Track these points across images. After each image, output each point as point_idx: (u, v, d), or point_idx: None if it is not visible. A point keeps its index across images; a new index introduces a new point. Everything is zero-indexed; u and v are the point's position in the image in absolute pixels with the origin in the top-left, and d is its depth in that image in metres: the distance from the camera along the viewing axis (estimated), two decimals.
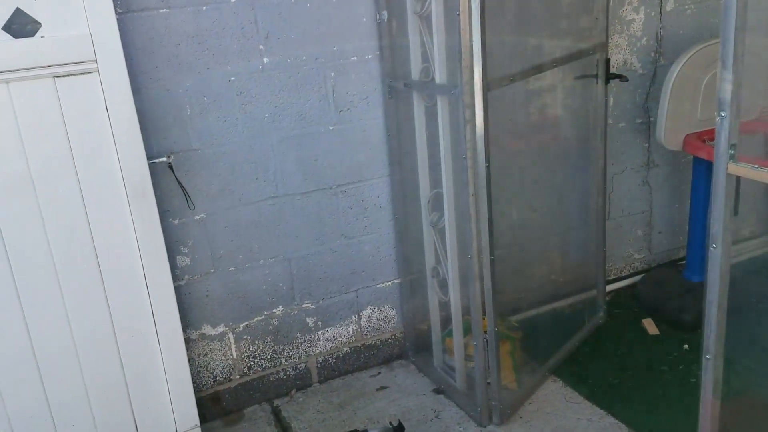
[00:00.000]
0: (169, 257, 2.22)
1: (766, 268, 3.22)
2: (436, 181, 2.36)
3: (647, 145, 3.00)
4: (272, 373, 2.55)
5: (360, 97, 2.41)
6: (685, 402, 2.33)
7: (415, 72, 2.26)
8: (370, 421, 2.37)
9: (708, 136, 2.66)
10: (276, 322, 2.51)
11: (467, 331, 2.37)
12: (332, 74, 2.35)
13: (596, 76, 2.53)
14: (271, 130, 2.32)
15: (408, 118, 2.38)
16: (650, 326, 2.84)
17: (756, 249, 3.28)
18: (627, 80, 2.60)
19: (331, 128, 2.40)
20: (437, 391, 2.52)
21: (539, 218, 2.87)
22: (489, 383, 2.26)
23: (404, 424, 2.32)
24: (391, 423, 1.87)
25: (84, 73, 1.85)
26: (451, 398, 2.47)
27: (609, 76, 2.53)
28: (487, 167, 2.02)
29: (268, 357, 2.53)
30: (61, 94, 1.83)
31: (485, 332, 2.22)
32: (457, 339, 2.42)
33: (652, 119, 2.92)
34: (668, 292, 2.93)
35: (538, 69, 2.24)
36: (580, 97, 2.68)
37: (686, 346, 2.67)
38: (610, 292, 3.11)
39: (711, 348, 1.22)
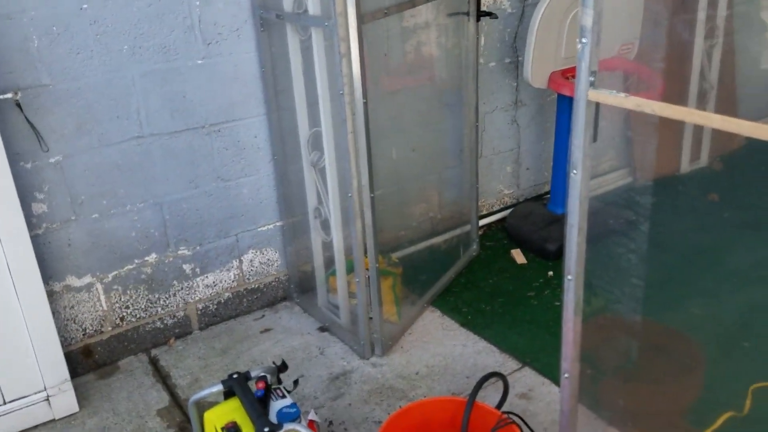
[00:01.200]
0: (23, 205, 2.03)
1: (623, 199, 3.52)
2: (314, 120, 2.31)
3: (515, 84, 3.11)
4: (148, 323, 2.45)
5: (230, 29, 2.28)
6: (549, 324, 2.52)
7: (288, 2, 2.17)
8: (253, 363, 2.36)
9: (571, 74, 2.81)
10: (149, 271, 2.39)
11: (350, 269, 2.39)
12: (198, 3, 2.20)
13: (468, 13, 2.56)
14: (131, 64, 2.15)
15: (283, 53, 2.29)
16: (518, 256, 3.03)
17: (613, 182, 3.57)
18: (497, 17, 2.66)
19: (199, 62, 2.26)
20: (322, 329, 2.55)
21: (417, 157, 2.92)
22: (371, 318, 2.31)
23: (289, 363, 2.32)
24: (274, 363, 1.87)
25: None
26: (335, 335, 2.50)
27: (480, 14, 2.57)
28: (365, 104, 2.00)
29: (143, 306, 2.42)
30: None
31: (367, 269, 2.25)
32: (341, 278, 2.44)
33: (520, 58, 3.03)
34: (534, 224, 3.12)
35: (411, 3, 2.23)
36: (453, 35, 2.71)
37: (551, 273, 2.87)
38: (483, 226, 3.26)
39: (572, 269, 1.31)
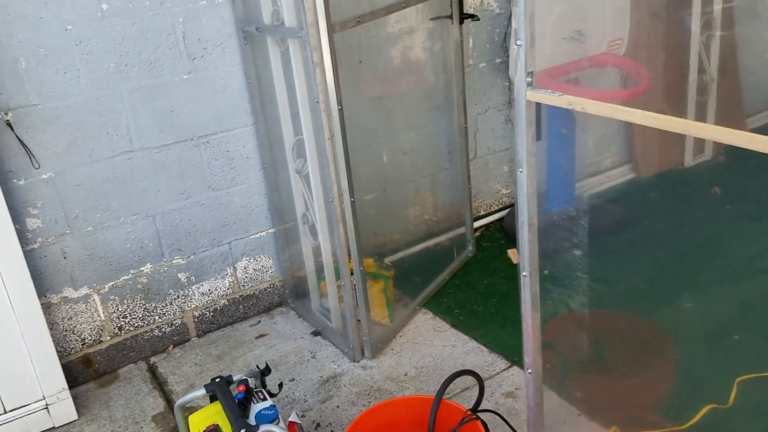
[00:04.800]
0: (17, 220, 2.12)
1: (625, 195, 3.50)
2: (298, 128, 2.36)
3: (507, 83, 3.13)
4: (146, 332, 2.52)
5: (214, 44, 2.35)
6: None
7: (267, 15, 2.22)
8: (247, 368, 2.41)
9: (557, 73, 2.82)
10: (145, 280, 2.46)
11: (339, 273, 2.43)
12: (181, 20, 2.27)
13: (450, 16, 2.59)
14: (119, 81, 2.22)
15: (266, 64, 2.35)
16: (515, 256, 3.03)
17: (616, 178, 3.55)
18: (479, 20, 2.68)
19: (185, 77, 2.33)
20: (315, 334, 2.59)
21: (409, 160, 2.95)
22: (359, 321, 2.35)
23: (281, 366, 2.38)
24: (258, 366, 1.91)
25: None
26: (327, 339, 2.54)
27: (462, 17, 2.59)
28: (340, 110, 2.04)
29: (140, 316, 2.49)
30: None
31: (352, 273, 2.29)
32: (330, 282, 2.48)
33: (510, 58, 3.04)
34: None
35: (387, 10, 2.26)
36: (438, 38, 2.74)
37: (546, 272, 2.87)
38: (480, 227, 3.27)
39: (526, 265, 1.32)
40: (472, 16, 2.63)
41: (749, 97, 3.78)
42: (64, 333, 2.35)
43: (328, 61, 1.97)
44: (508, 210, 3.32)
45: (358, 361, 2.38)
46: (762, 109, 3.83)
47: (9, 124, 2.05)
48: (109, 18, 2.15)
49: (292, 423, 1.85)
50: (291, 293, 2.77)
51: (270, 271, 2.74)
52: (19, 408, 2.11)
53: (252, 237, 2.65)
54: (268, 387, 1.93)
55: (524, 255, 1.31)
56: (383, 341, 2.45)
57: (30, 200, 2.17)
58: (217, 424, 1.73)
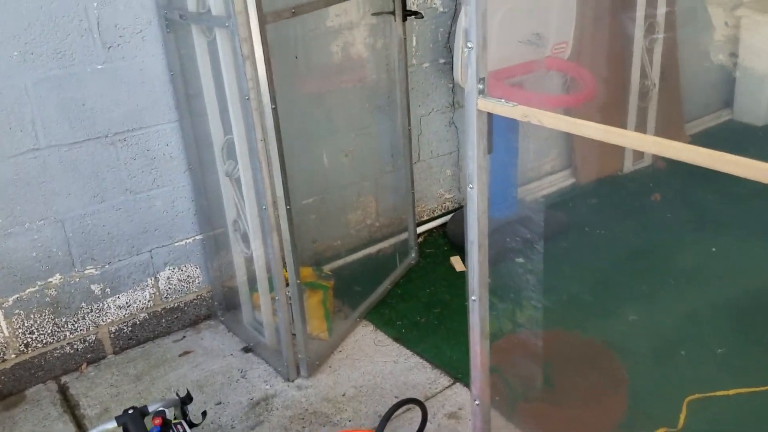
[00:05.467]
0: None
1: (565, 201, 3.45)
2: (228, 126, 2.16)
3: (452, 85, 3.01)
4: (56, 349, 2.27)
5: (132, 31, 2.12)
6: None
7: (191, 1, 2.02)
8: (168, 390, 2.20)
9: (504, 75, 2.71)
10: (54, 293, 2.21)
11: (273, 284, 2.25)
12: (95, 4, 2.03)
13: (393, 12, 2.45)
14: (23, 71, 1.97)
15: (191, 55, 2.14)
16: (458, 263, 2.92)
17: (555, 183, 3.50)
18: (422, 17, 2.55)
19: (99, 67, 2.09)
20: (246, 350, 2.40)
21: (351, 162, 2.80)
22: (294, 335, 2.17)
23: (207, 388, 2.19)
24: (177, 393, 1.72)
25: None
26: (260, 356, 2.36)
27: (406, 13, 2.45)
28: (274, 109, 1.86)
29: (49, 331, 2.24)
30: None
31: (288, 284, 2.11)
32: (263, 294, 2.29)
33: (454, 59, 2.92)
34: None
35: (326, 2, 2.10)
36: (380, 35, 2.59)
37: (489, 281, 2.78)
38: (423, 232, 3.15)
39: (476, 289, 1.19)
40: (415, 14, 2.50)
41: (689, 103, 3.81)
42: None
43: (260, 54, 1.79)
44: (452, 215, 3.21)
45: (292, 381, 2.21)
46: (701, 114, 3.87)
47: None
48: (12, 0, 1.89)
49: None
50: (221, 305, 2.57)
51: (197, 281, 2.52)
52: None
53: (177, 244, 2.43)
54: (190, 416, 1.75)
55: (473, 278, 1.18)
56: (321, 357, 2.29)
57: None
58: None
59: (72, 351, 2.31)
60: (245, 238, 2.27)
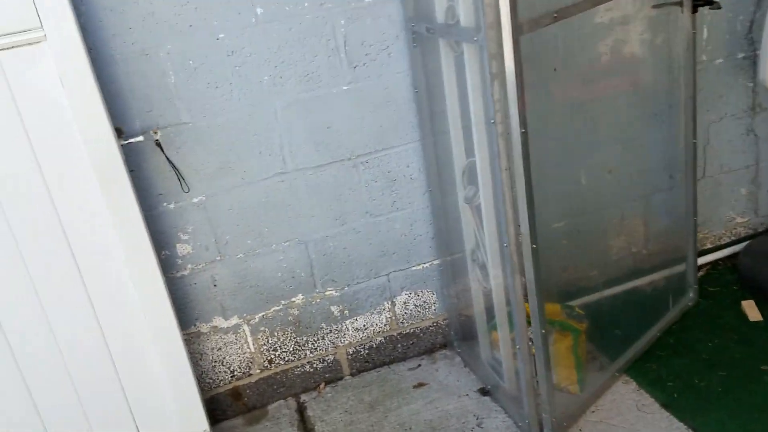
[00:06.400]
0: (167, 246, 2.00)
1: None
2: (470, 148, 1.93)
3: (752, 84, 2.38)
4: (297, 367, 2.30)
5: (379, 48, 2.00)
6: None
7: (440, 13, 1.82)
8: (400, 427, 2.07)
9: None
10: (296, 312, 2.23)
11: (513, 323, 1.98)
12: (342, 22, 1.95)
13: (680, 3, 1.96)
14: (272, 95, 1.97)
15: (436, 71, 1.95)
16: (751, 310, 2.32)
17: None
18: (719, 7, 2.01)
19: (345, 88, 2.02)
20: (483, 392, 2.17)
21: (615, 180, 2.37)
22: (538, 385, 1.87)
23: (440, 431, 2.01)
24: None
25: (29, 44, 1.57)
26: (498, 402, 2.11)
27: (696, 3, 1.95)
28: (524, 134, 1.57)
29: (291, 349, 2.27)
30: (7, 72, 1.57)
31: (530, 324, 1.82)
32: (503, 334, 2.03)
33: (758, 52, 2.30)
34: None
35: (593, 1, 1.73)
36: (661, 30, 2.12)
37: None
38: (703, 265, 2.58)
39: None
40: (710, 2, 1.98)
41: None
42: (214, 364, 2.20)
43: (511, 71, 1.51)
44: (745, 245, 2.57)
45: None
46: None
47: (159, 144, 1.91)
48: (263, 24, 1.90)
49: None
50: (457, 335, 2.37)
51: (433, 307, 2.36)
52: None
53: (414, 269, 2.29)
54: None
55: None
56: (569, 417, 1.95)
57: (180, 225, 2.02)
58: None
59: (311, 370, 2.31)
60: (484, 271, 2.03)
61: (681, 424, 1.89)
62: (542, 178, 1.72)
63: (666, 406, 1.96)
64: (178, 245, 2.03)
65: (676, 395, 2.00)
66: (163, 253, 2.01)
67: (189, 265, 2.07)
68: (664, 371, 2.10)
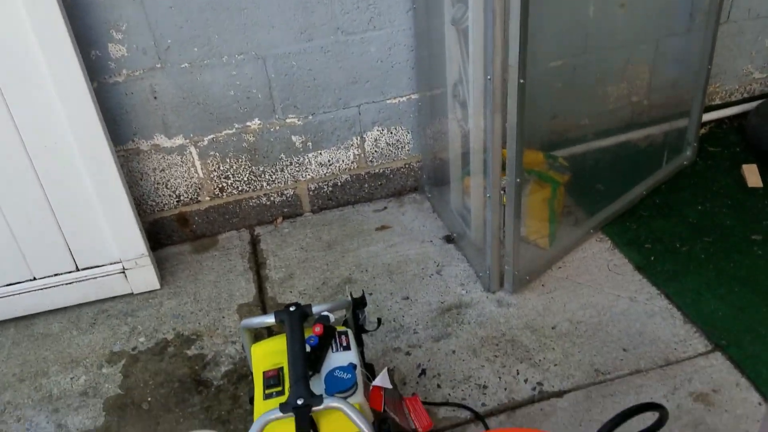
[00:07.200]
0: (97, 44, 1.71)
1: None
2: None
3: None
4: (251, 198, 2.11)
5: None
6: None
7: None
8: (356, 268, 1.94)
9: None
10: (252, 139, 2.00)
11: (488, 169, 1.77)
12: None
13: None
14: None
15: None
16: (752, 175, 2.13)
17: None
18: None
19: None
20: (448, 239, 2.02)
21: (626, 17, 2.05)
22: (504, 238, 1.71)
23: (397, 277, 1.88)
24: (351, 294, 1.42)
25: None
26: (462, 250, 1.96)
27: None
28: None
29: (245, 179, 2.07)
30: None
31: (504, 170, 1.62)
32: (476, 180, 1.83)
33: None
34: None
35: None
36: None
37: None
38: (707, 122, 2.35)
39: None
40: None
41: None
42: (156, 186, 2.00)
43: None
44: (758, 103, 2.32)
45: (493, 292, 1.79)
46: None
47: None
48: None
49: (377, 388, 1.36)
50: (429, 179, 2.18)
51: (406, 147, 2.14)
52: (92, 268, 1.85)
53: (389, 102, 2.03)
54: (363, 321, 1.44)
55: None
56: (533, 271, 1.82)
57: (112, 21, 1.71)
58: (282, 368, 1.29)
59: (268, 203, 2.14)
60: (464, 109, 1.78)
61: (653, 288, 1.76)
62: (541, 8, 1.43)
63: (640, 268, 1.83)
64: (110, 45, 1.74)
65: (653, 258, 1.86)
66: (93, 52, 1.72)
67: (124, 71, 1.79)
68: (644, 232, 1.95)
